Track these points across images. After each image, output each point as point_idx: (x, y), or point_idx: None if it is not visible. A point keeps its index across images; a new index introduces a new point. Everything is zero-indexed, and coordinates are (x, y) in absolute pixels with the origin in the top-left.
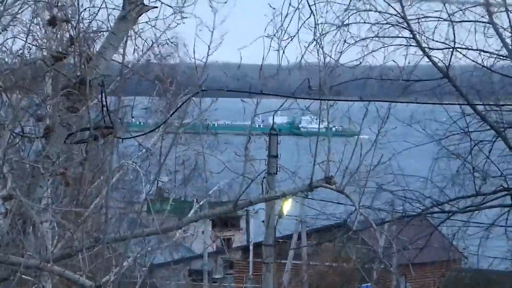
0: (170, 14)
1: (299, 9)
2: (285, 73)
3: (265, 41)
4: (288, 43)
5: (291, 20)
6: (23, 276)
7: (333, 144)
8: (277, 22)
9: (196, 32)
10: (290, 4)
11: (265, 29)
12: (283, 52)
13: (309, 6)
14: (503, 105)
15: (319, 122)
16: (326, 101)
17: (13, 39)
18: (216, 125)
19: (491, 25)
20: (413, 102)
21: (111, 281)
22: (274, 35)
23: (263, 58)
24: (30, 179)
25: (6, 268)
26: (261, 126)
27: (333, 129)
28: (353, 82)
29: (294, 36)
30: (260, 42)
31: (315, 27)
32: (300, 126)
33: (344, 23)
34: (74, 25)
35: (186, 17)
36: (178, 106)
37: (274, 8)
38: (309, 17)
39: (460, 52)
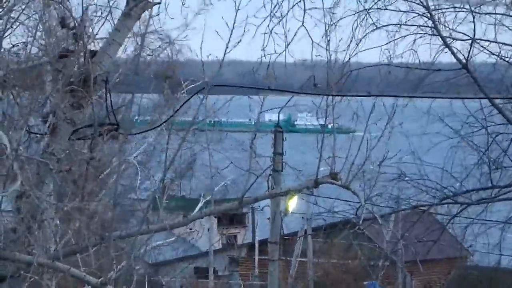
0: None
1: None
2: (291, 71)
3: (271, 38)
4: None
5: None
6: (27, 274)
7: (330, 141)
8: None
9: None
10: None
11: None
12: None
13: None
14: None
15: (325, 119)
16: (332, 97)
17: (11, 36)
18: (212, 122)
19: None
20: (426, 97)
21: (113, 279)
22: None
23: (270, 56)
24: (36, 176)
25: (12, 265)
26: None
27: (329, 126)
28: (364, 79)
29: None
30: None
31: (326, 32)
32: (295, 123)
33: (366, 8)
34: (78, 22)
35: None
36: (184, 101)
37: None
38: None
39: (480, 44)
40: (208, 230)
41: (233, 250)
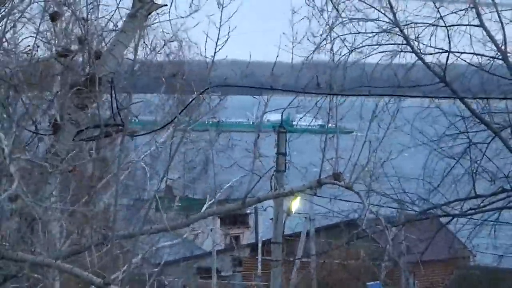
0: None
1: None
2: (294, 72)
3: (277, 41)
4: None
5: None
6: (31, 273)
7: (327, 141)
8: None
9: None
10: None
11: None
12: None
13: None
14: (504, 98)
15: (328, 119)
16: (336, 98)
17: (20, 36)
18: (210, 122)
19: (482, 28)
20: (422, 96)
21: (119, 280)
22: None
23: (277, 57)
24: (38, 176)
25: (15, 265)
26: (255, 124)
27: (328, 126)
28: (359, 80)
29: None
30: (267, 40)
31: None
32: (294, 123)
33: (337, 34)
34: (84, 22)
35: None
36: (188, 103)
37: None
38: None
39: (455, 55)
40: (212, 230)
41: (236, 250)
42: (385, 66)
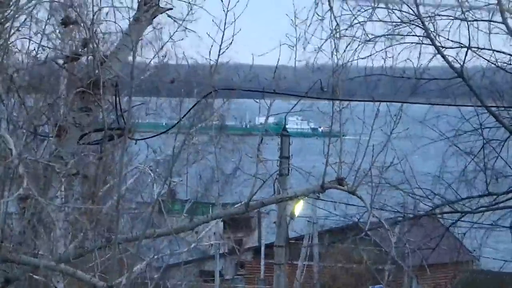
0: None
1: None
2: (298, 75)
3: (279, 42)
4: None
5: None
6: (35, 276)
7: (321, 145)
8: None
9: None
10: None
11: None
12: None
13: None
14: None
15: (331, 123)
16: (339, 102)
17: (26, 39)
18: (204, 125)
19: (504, 25)
20: (426, 103)
21: (123, 284)
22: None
23: (278, 60)
24: (43, 179)
25: (18, 268)
26: (248, 127)
27: (320, 130)
28: (364, 83)
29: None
30: (271, 43)
31: (333, 33)
32: (287, 126)
33: (358, 21)
34: (88, 26)
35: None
36: (191, 107)
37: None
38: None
39: (474, 52)
40: (214, 234)
41: (240, 254)
42: (402, 66)
